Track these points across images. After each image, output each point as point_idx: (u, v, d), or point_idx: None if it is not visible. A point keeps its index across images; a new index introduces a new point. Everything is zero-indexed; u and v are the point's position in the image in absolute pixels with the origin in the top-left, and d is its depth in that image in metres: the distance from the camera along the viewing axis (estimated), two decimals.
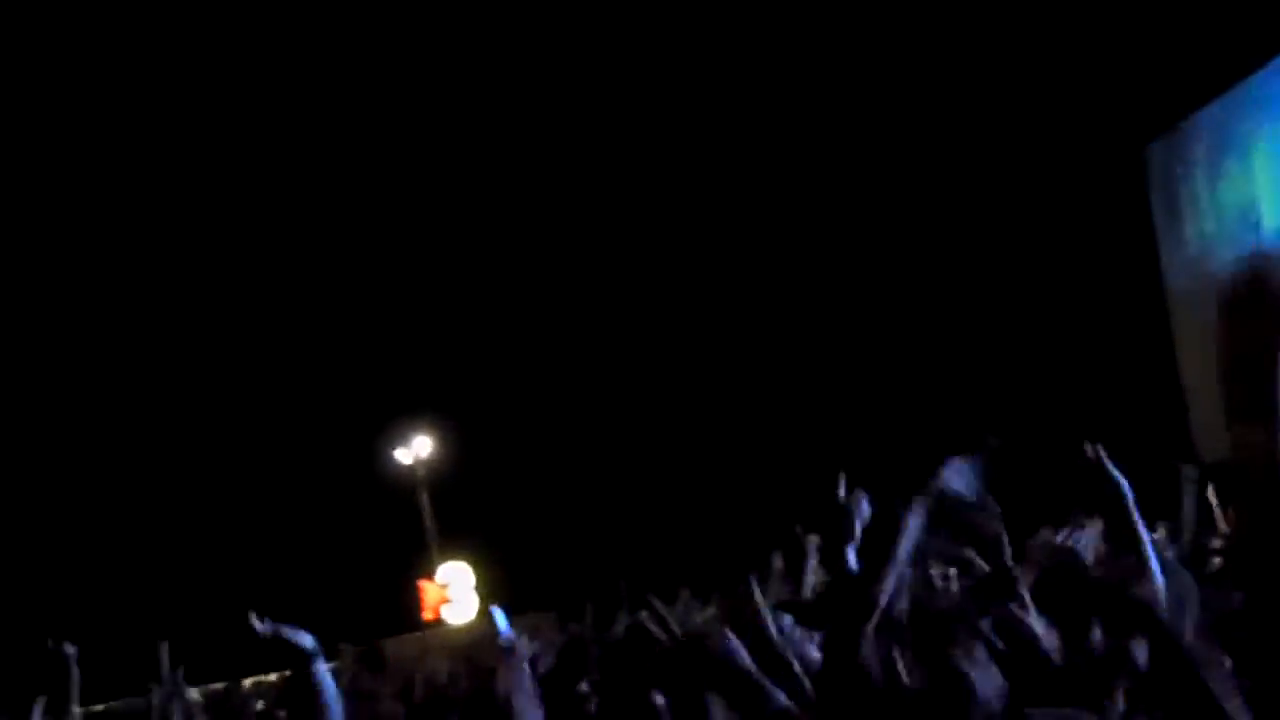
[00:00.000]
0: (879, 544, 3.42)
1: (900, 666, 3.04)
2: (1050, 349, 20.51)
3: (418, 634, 19.95)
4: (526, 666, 4.99)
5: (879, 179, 21.80)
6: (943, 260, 21.58)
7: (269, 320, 23.90)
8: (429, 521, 24.15)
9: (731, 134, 22.70)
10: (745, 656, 2.97)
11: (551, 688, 5.85)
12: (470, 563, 23.26)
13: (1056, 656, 2.96)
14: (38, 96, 22.20)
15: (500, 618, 4.54)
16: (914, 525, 3.44)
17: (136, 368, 23.49)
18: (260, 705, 6.97)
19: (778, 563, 7.65)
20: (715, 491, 21.21)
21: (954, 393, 19.55)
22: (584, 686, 5.71)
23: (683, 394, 22.92)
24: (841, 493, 3.28)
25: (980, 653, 3.47)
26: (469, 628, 20.94)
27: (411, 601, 22.89)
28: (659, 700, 4.95)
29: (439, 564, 23.37)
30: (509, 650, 5.10)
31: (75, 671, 4.59)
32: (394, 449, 24.35)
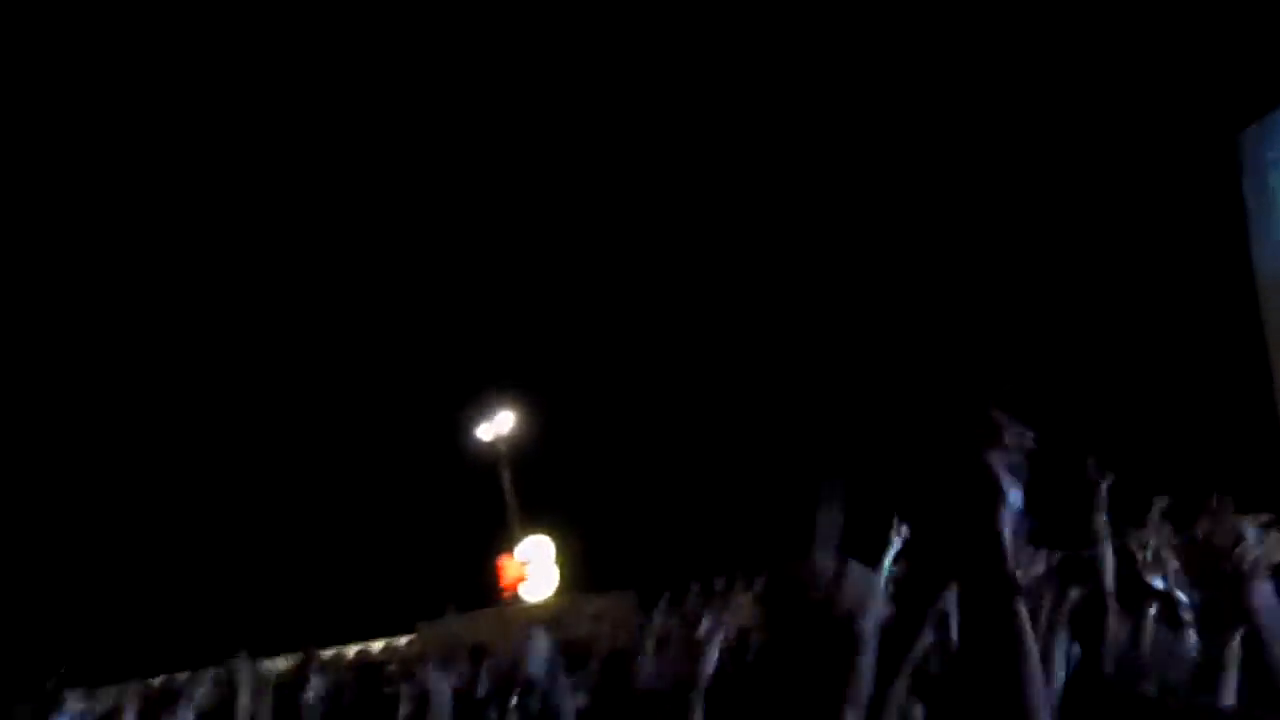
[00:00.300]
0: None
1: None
2: (1140, 336, 20.22)
3: (494, 609, 20.22)
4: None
5: (973, 164, 21.62)
6: (1033, 249, 21.34)
7: (355, 296, 24.21)
8: (510, 498, 24.34)
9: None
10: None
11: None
12: (550, 540, 23.41)
13: None
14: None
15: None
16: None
17: (213, 339, 23.91)
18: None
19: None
20: (801, 474, 21.13)
21: (1042, 382, 19.34)
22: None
23: (771, 372, 22.83)
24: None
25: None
26: (547, 604, 21.17)
27: (490, 578, 23.12)
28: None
29: (519, 541, 23.56)
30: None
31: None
32: (476, 425, 24.56)
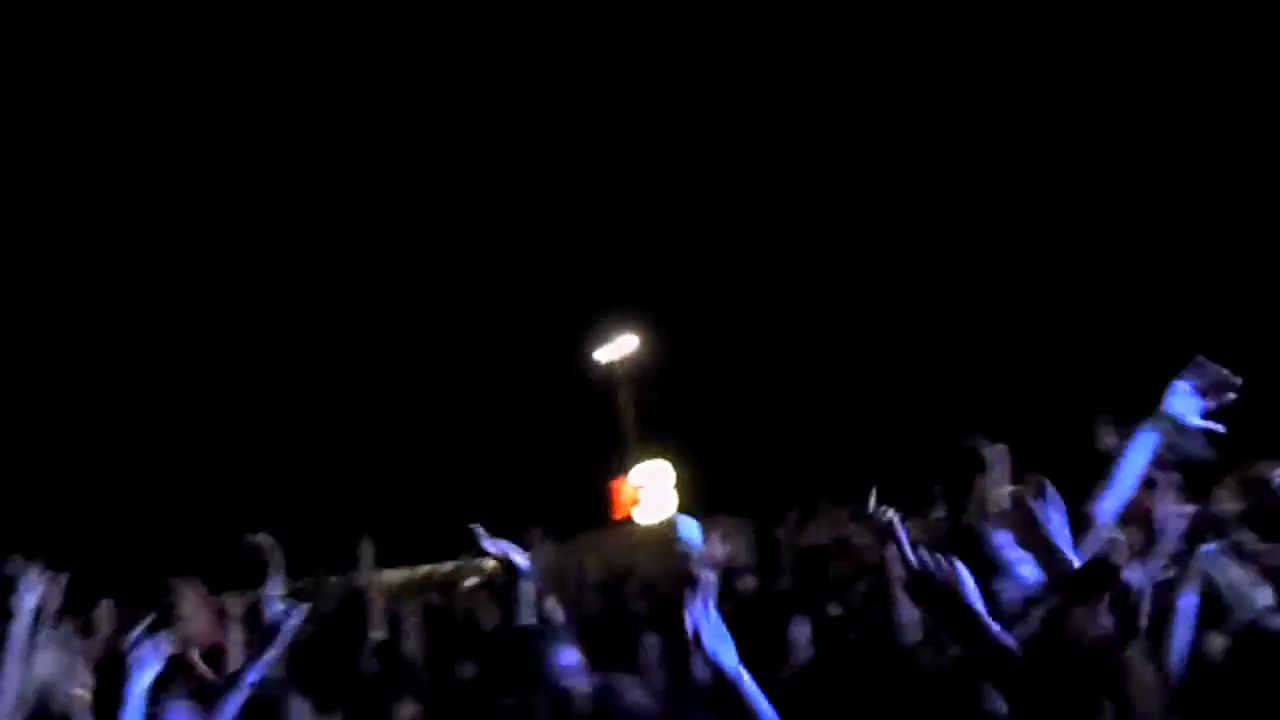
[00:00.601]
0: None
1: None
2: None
3: (609, 531, 20.20)
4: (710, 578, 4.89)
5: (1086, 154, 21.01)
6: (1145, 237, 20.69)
7: (482, 218, 24.24)
8: (627, 421, 24.34)
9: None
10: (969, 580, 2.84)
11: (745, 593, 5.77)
12: (670, 462, 23.37)
13: None
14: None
15: (689, 528, 4.40)
16: (1142, 445, 3.28)
17: (337, 262, 24.21)
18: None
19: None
20: (920, 405, 20.78)
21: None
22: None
23: (894, 300, 22.41)
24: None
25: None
26: (661, 527, 21.09)
27: (605, 499, 23.18)
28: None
29: (635, 463, 23.56)
30: (695, 562, 5.00)
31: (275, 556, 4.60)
32: (595, 348, 24.54)
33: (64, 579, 4.05)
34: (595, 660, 3.93)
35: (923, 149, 22.25)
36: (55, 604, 4.02)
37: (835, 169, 22.74)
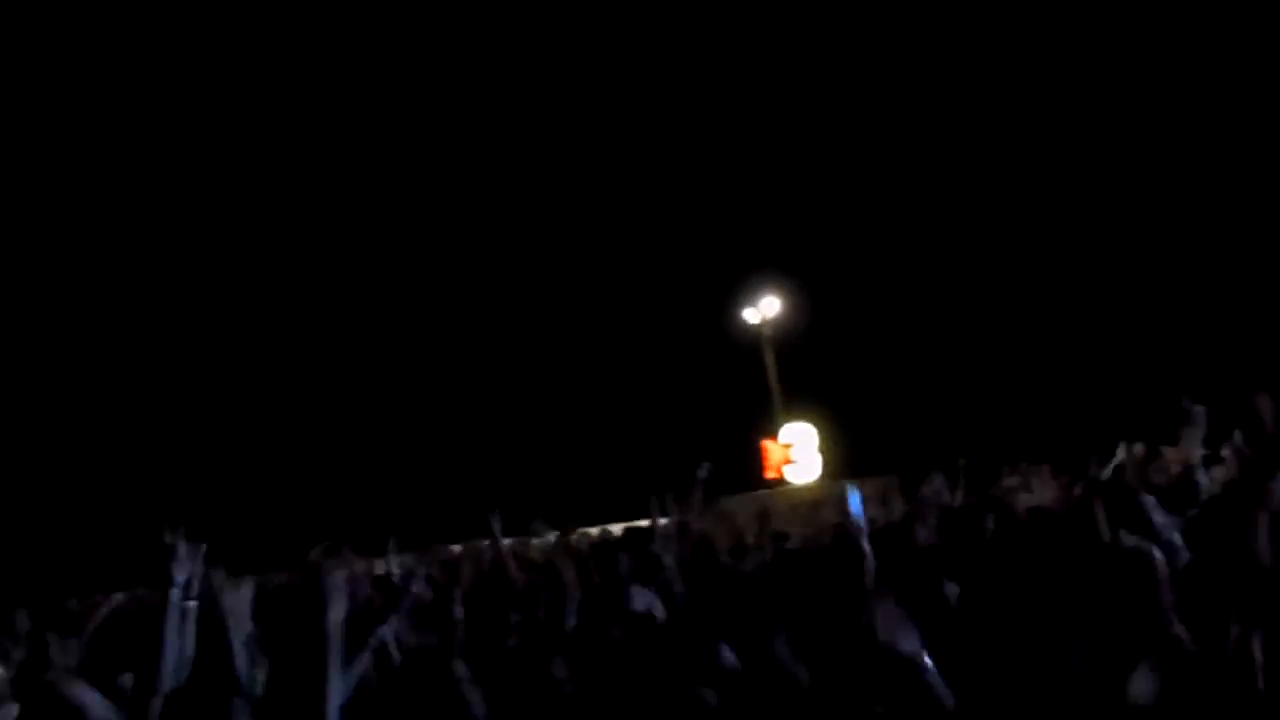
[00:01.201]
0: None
1: None
2: None
3: (759, 493, 20.14)
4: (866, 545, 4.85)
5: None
6: None
7: (632, 185, 24.29)
8: (774, 381, 24.23)
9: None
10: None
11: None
12: (814, 424, 23.23)
13: None
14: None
15: (853, 498, 4.37)
16: None
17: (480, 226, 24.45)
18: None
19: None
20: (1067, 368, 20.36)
21: None
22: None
23: (1042, 259, 21.93)
24: None
25: None
26: (811, 488, 20.98)
27: (754, 460, 23.11)
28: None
29: (783, 424, 23.46)
30: (854, 531, 4.96)
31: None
32: (742, 308, 24.45)
33: (204, 549, 4.18)
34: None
35: (1086, 115, 21.78)
36: (199, 572, 4.16)
37: (981, 131, 22.33)
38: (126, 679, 3.92)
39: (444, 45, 24.11)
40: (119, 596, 6.81)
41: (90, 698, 3.20)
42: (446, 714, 3.94)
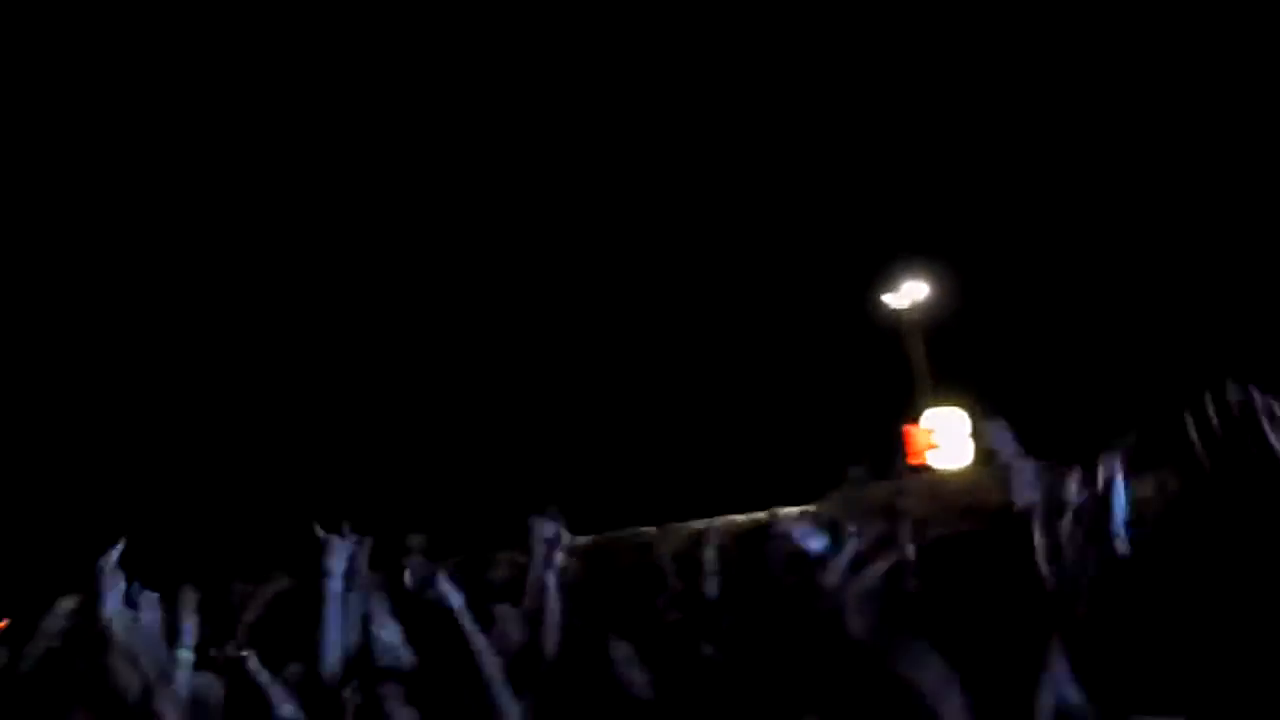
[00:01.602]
0: None
1: None
2: None
3: (905, 480, 19.94)
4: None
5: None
6: None
7: (773, 169, 24.21)
8: (919, 367, 23.96)
9: None
10: None
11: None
12: (965, 409, 22.92)
13: None
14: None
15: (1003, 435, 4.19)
16: None
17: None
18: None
19: None
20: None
21: None
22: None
23: (1194, 236, 21.33)
24: None
25: None
26: (960, 474, 20.68)
27: (899, 446, 22.87)
28: None
29: (927, 409, 23.19)
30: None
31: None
32: (886, 293, 24.23)
33: (369, 542, 4.28)
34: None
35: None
36: (363, 564, 4.26)
37: (1126, 107, 21.76)
38: (295, 668, 4.03)
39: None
40: (273, 585, 6.95)
41: (267, 679, 3.32)
42: (607, 695, 4.00)
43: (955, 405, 22.89)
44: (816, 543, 5.17)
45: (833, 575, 4.98)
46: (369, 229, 24.35)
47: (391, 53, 24.15)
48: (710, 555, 5.49)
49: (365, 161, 24.51)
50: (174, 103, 24.05)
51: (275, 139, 24.33)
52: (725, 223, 24.23)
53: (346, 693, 3.79)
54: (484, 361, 23.86)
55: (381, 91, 24.38)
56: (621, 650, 4.09)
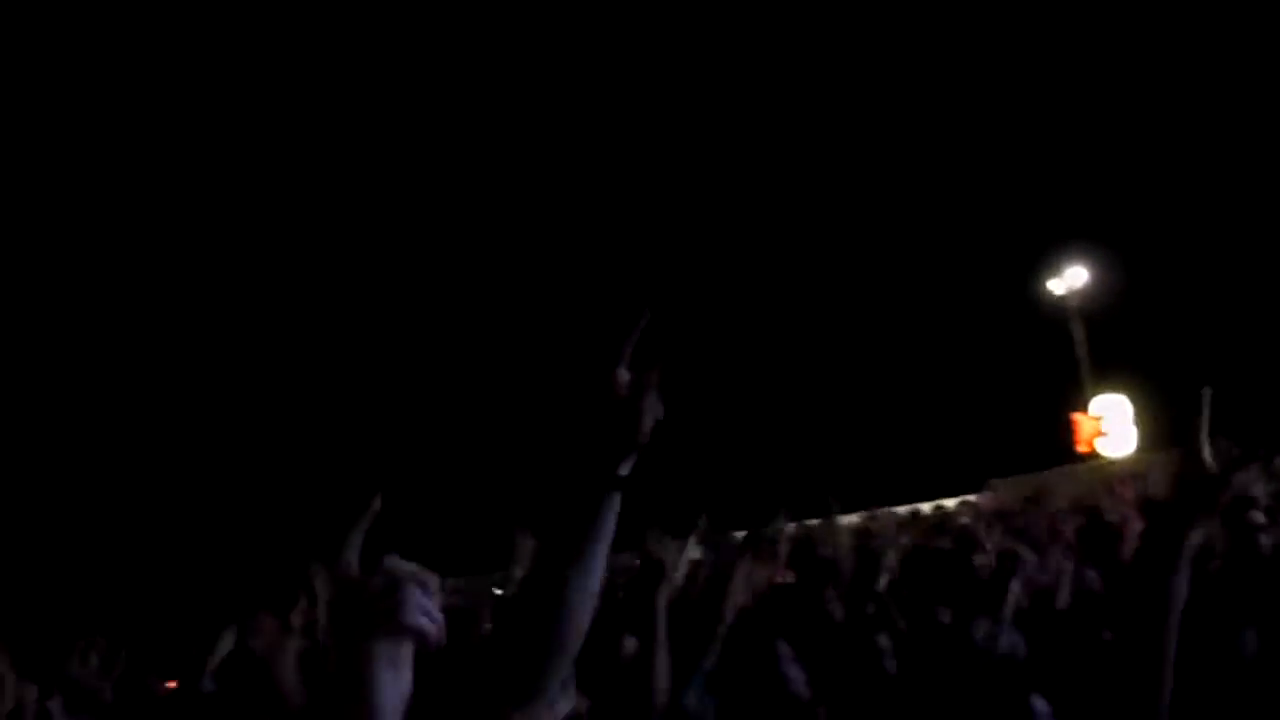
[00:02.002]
0: None
1: None
2: None
3: (1073, 466, 19.66)
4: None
5: None
6: None
7: (933, 160, 24.06)
8: (1082, 353, 23.52)
9: None
10: None
11: None
12: (1127, 395, 22.44)
13: None
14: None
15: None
16: None
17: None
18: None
19: None
20: None
21: None
22: None
23: None
24: None
25: None
26: (1127, 461, 20.31)
27: (1064, 434, 22.51)
28: None
29: (1093, 396, 22.75)
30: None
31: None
32: (1048, 280, 23.83)
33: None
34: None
35: None
36: None
37: None
38: None
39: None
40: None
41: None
42: (770, 693, 4.11)
43: (1119, 391, 22.42)
44: None
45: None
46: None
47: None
48: (888, 550, 5.59)
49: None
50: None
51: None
52: (890, 215, 24.15)
53: None
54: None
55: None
56: (784, 650, 4.20)
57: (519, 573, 4.99)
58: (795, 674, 4.16)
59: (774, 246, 24.55)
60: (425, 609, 1.62)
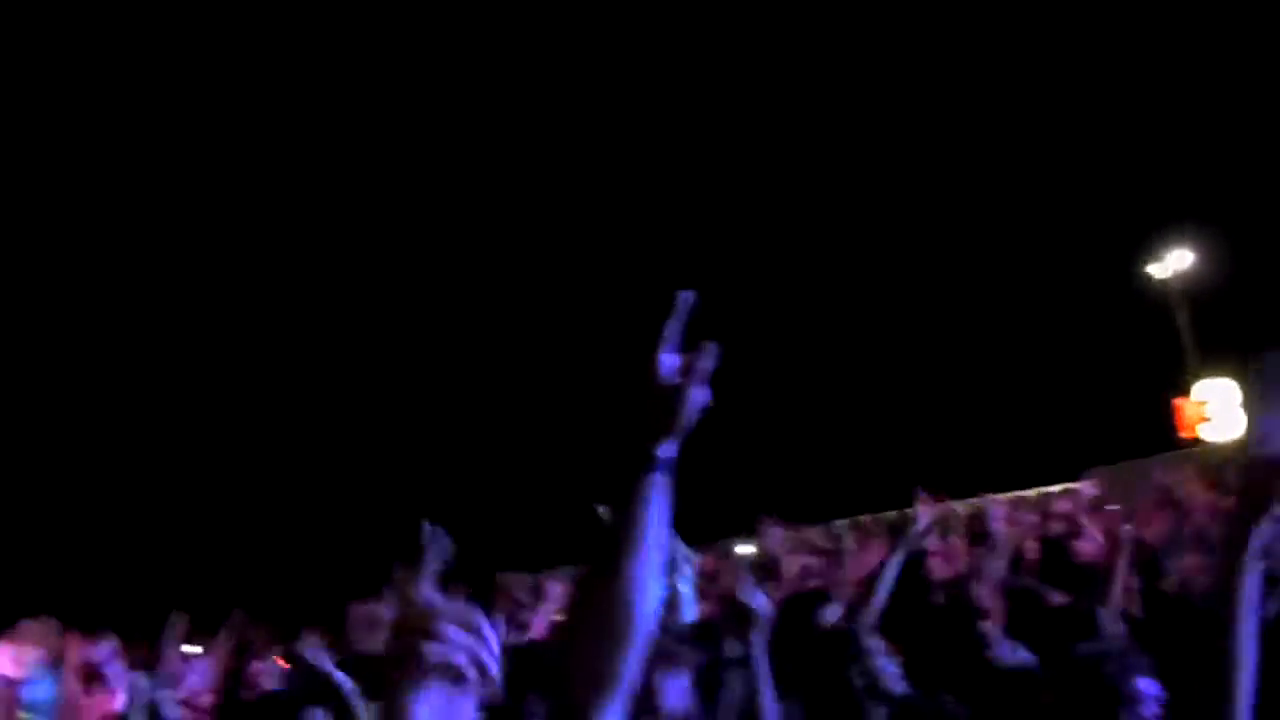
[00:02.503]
0: None
1: None
2: None
3: (1176, 453, 19.43)
4: None
5: None
6: None
7: (1033, 143, 23.90)
8: (1186, 337, 23.21)
9: None
10: None
11: None
12: (1233, 380, 22.08)
13: None
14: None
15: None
16: None
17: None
18: None
19: None
20: None
21: None
22: None
23: None
24: None
25: None
26: (1234, 445, 20.00)
27: (1167, 420, 22.23)
28: None
29: (1196, 381, 22.43)
30: None
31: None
32: (1150, 264, 23.55)
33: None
34: None
35: None
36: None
37: None
38: None
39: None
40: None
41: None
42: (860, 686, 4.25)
43: (1225, 376, 22.07)
44: None
45: None
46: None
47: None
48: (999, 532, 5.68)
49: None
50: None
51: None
52: (993, 200, 24.04)
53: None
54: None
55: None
56: (874, 645, 4.31)
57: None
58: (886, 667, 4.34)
59: (878, 232, 24.57)
60: (465, 647, 1.56)
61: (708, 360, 1.83)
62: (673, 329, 1.84)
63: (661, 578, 1.84)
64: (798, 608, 4.83)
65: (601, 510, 5.01)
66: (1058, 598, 5.17)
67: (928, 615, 5.28)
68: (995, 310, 23.52)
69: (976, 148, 24.06)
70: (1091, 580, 5.48)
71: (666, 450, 1.84)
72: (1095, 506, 8.05)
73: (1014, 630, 4.84)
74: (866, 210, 24.64)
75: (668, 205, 24.88)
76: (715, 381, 1.84)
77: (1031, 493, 12.52)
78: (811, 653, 4.30)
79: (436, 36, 25.00)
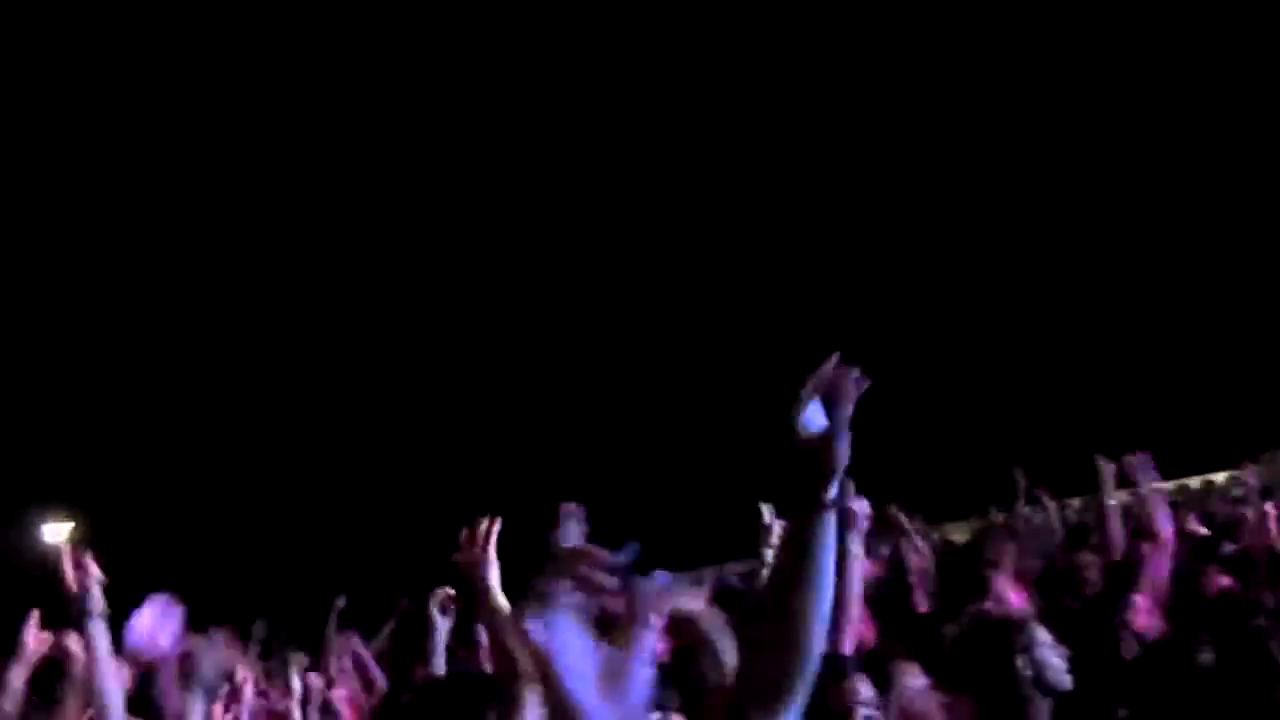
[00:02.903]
0: None
1: None
2: None
3: None
4: None
5: None
6: None
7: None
8: None
9: None
10: None
11: None
12: None
13: None
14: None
15: None
16: None
17: None
18: None
19: None
20: None
21: None
22: None
23: None
24: None
25: None
26: None
27: None
28: None
29: None
30: None
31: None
32: None
33: None
34: None
35: None
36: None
37: None
38: None
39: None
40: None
41: None
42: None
43: None
44: None
45: None
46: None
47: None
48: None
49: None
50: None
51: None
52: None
53: None
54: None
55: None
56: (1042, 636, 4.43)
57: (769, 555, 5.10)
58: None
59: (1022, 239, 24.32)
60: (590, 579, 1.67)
61: (849, 408, 1.87)
62: (816, 387, 1.88)
63: (828, 612, 1.91)
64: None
65: (763, 507, 5.17)
66: (1224, 580, 5.20)
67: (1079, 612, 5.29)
68: (1156, 293, 23.10)
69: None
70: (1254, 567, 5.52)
71: (831, 491, 1.88)
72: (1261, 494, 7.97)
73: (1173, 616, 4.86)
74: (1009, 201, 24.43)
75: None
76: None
77: (1196, 480, 12.33)
78: (979, 642, 4.40)
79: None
